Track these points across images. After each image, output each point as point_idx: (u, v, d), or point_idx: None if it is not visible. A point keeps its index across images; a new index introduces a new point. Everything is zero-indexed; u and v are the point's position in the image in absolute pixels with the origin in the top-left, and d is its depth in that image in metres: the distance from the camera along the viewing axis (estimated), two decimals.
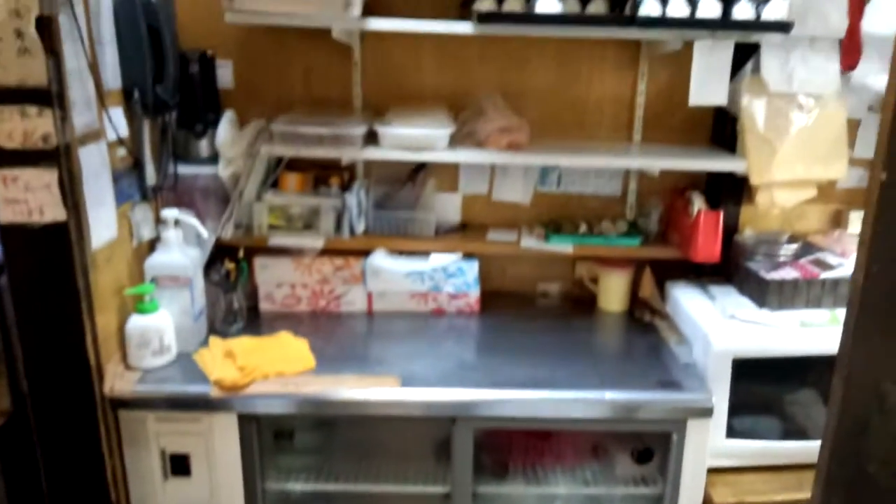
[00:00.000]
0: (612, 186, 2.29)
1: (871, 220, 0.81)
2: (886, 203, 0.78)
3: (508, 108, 2.08)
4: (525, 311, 2.21)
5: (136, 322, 1.72)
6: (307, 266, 2.09)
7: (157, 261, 1.80)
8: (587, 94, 2.22)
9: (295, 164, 2.11)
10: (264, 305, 2.12)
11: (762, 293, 1.94)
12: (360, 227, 2.11)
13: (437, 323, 2.10)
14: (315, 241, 2.06)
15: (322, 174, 2.13)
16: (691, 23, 1.83)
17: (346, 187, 2.12)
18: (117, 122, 1.70)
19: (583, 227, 2.20)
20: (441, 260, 2.11)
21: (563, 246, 2.14)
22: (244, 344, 1.84)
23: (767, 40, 1.98)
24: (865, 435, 0.71)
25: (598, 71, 2.20)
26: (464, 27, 1.87)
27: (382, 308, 2.14)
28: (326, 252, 2.09)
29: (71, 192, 1.46)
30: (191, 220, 1.85)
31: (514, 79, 2.19)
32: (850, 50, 1.14)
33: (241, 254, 2.01)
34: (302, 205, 2.06)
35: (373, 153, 1.96)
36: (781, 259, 2.06)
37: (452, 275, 2.12)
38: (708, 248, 2.05)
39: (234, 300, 1.97)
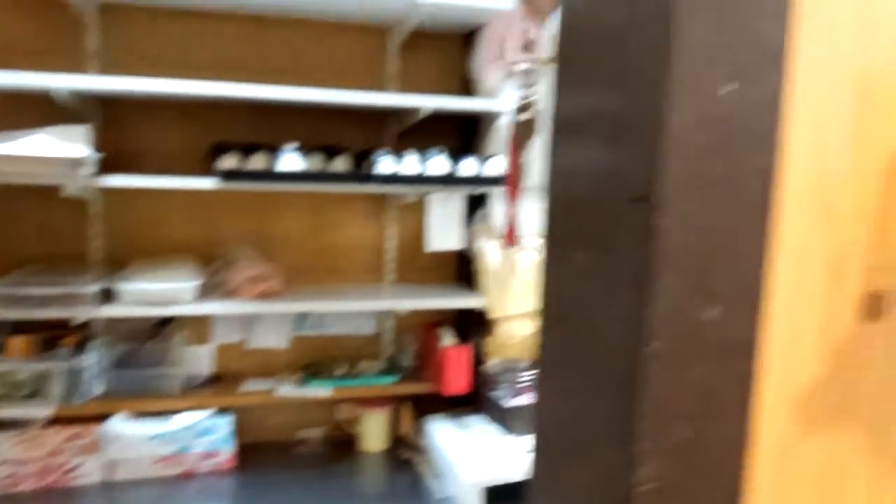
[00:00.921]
0: (368, 326, 2.37)
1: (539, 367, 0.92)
2: (545, 348, 0.90)
3: (261, 257, 2.10)
4: (285, 462, 2.15)
5: None
6: (33, 439, 1.87)
7: None
8: (340, 240, 2.32)
9: (24, 326, 1.93)
10: None
11: (506, 420, 2.08)
12: (96, 390, 1.95)
13: (187, 487, 1.97)
14: (42, 410, 1.87)
15: (53, 334, 1.96)
16: (422, 179, 2.02)
17: (81, 347, 1.98)
18: None
19: (343, 368, 2.24)
20: (190, 418, 2.01)
21: (321, 390, 2.15)
22: None
23: (494, 191, 2.24)
24: None
25: (349, 219, 2.32)
26: (207, 183, 1.89)
27: (124, 477, 1.96)
28: (57, 421, 1.90)
29: None
30: None
31: (266, 227, 2.24)
32: (510, 236, 1.34)
33: None
34: (27, 370, 1.88)
35: (110, 311, 1.87)
36: (522, 385, 2.24)
37: (203, 433, 2.02)
38: (456, 380, 2.17)
39: None
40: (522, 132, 0.97)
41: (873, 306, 0.73)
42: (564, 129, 0.83)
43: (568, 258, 0.82)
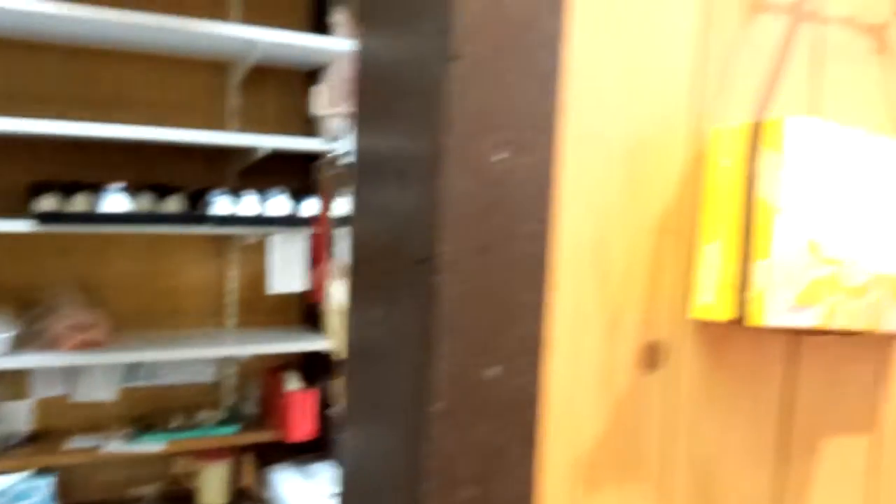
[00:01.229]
0: (207, 374, 2.27)
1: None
2: (349, 397, 0.89)
3: (85, 303, 1.96)
4: None
5: None
6: None
7: None
8: (177, 283, 2.21)
9: None
10: None
11: None
12: None
13: None
14: None
15: None
16: (260, 220, 1.97)
17: None
18: None
19: (178, 420, 2.12)
20: (3, 482, 1.83)
21: (153, 445, 2.02)
22: None
23: (337, 232, 2.22)
24: None
25: (187, 261, 2.22)
26: (22, 226, 1.75)
27: None
28: None
29: None
30: None
31: (95, 271, 2.10)
32: (317, 291, 1.35)
33: None
34: None
35: None
36: None
37: (19, 497, 1.84)
38: (302, 426, 2.11)
39: None
40: (332, 184, 0.96)
41: (650, 357, 0.78)
42: (363, 184, 0.84)
43: (365, 310, 0.82)
